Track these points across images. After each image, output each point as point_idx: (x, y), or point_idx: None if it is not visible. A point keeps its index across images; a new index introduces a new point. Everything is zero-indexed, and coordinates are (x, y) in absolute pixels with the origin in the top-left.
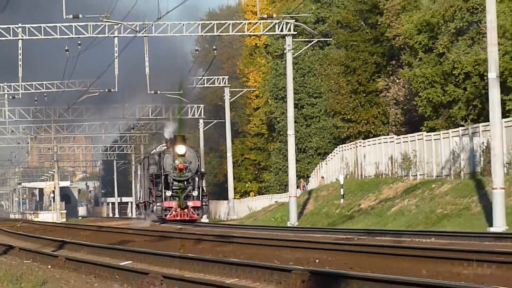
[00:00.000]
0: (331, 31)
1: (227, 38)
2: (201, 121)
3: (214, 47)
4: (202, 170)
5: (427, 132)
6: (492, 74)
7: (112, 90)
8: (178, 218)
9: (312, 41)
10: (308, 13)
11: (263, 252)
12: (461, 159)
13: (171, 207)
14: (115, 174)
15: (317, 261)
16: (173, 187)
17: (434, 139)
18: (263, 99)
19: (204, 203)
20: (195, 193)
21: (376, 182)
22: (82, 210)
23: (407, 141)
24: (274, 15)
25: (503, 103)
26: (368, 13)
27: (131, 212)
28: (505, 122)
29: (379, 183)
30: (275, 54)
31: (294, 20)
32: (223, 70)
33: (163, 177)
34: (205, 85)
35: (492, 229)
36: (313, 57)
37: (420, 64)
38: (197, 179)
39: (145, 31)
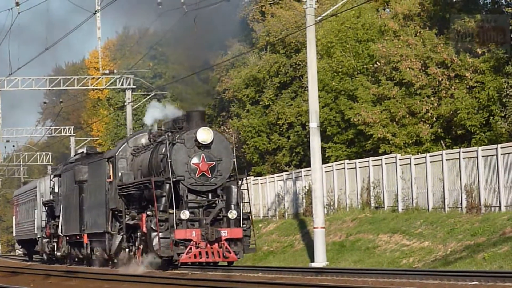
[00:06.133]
0: (167, 85)
1: (72, 92)
2: (49, 167)
3: (60, 100)
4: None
5: (255, 176)
6: (313, 124)
7: None
8: (204, 260)
9: (150, 94)
10: (146, 69)
11: (105, 286)
12: (285, 201)
13: (190, 240)
14: None
15: None
16: (190, 204)
17: (261, 183)
18: (106, 147)
19: (245, 233)
20: (232, 214)
21: None
22: None
23: None
24: (115, 71)
25: (323, 150)
26: (199, 68)
27: None
28: (325, 167)
29: None
30: (116, 106)
31: (133, 76)
32: (69, 121)
33: (167, 186)
34: (53, 135)
35: (313, 265)
36: None
37: (247, 115)
38: (233, 188)
39: None
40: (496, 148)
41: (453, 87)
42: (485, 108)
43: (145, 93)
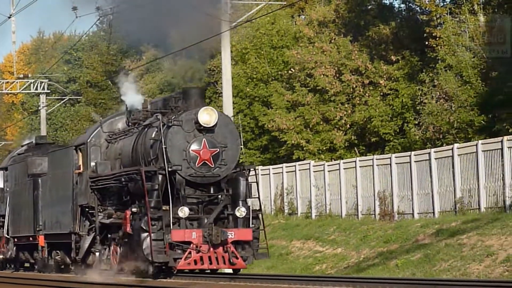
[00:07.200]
0: (82, 89)
1: None
2: None
3: None
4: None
5: None
6: None
7: None
8: (206, 266)
9: (64, 99)
10: (61, 74)
11: None
12: None
13: (189, 243)
14: None
15: None
16: (189, 199)
17: None
18: None
19: (254, 234)
20: (240, 212)
21: None
22: None
23: None
24: (30, 75)
25: None
26: (115, 73)
27: None
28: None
29: None
30: (31, 110)
31: (48, 80)
32: None
33: (160, 177)
34: None
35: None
36: (65, 113)
37: None
38: (241, 181)
39: None
40: (410, 156)
41: (367, 94)
42: (399, 115)
43: (59, 97)
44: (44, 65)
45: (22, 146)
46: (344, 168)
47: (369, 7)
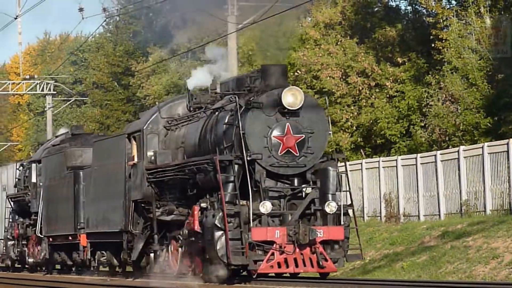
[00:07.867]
0: (88, 91)
1: None
2: None
3: None
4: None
5: None
6: None
7: None
8: (291, 270)
9: (70, 100)
10: (67, 75)
11: None
12: None
13: (272, 243)
14: None
15: None
16: (269, 193)
17: None
18: (25, 152)
19: (345, 233)
20: (330, 207)
21: None
22: None
23: None
24: (36, 76)
25: None
26: (121, 75)
27: None
28: None
29: None
30: (37, 111)
31: (54, 81)
32: None
33: (236, 167)
34: None
35: None
36: (71, 115)
37: None
38: (331, 172)
39: None
40: (416, 158)
41: (373, 96)
42: (405, 117)
43: (65, 98)
44: (50, 66)
45: (57, 136)
46: (350, 170)
47: (376, 9)
